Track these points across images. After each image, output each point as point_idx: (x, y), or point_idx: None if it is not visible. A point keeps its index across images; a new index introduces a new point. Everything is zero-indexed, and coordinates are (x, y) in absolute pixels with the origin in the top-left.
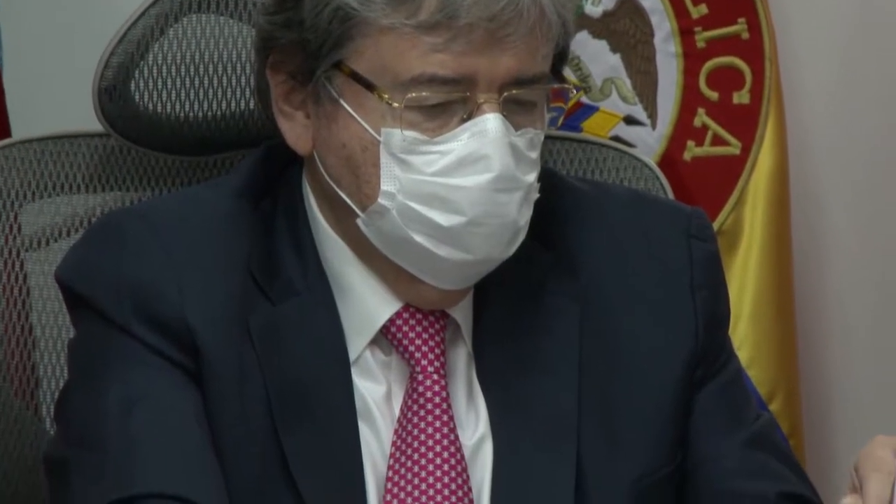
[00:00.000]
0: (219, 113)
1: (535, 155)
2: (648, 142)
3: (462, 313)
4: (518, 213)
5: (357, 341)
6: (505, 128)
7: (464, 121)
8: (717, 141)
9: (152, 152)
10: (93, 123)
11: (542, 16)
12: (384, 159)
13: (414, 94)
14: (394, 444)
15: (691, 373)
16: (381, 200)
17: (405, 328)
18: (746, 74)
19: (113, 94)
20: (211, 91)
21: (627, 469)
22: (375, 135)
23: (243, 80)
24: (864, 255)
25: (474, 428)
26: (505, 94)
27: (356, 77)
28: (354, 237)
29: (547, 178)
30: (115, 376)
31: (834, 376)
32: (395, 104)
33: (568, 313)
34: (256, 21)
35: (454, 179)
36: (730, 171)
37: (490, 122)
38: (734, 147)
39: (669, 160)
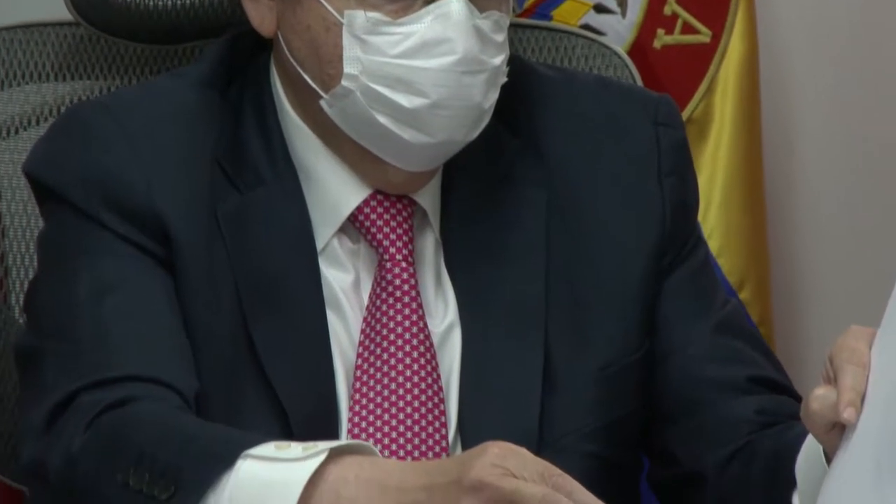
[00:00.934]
0: (187, 1)
1: (500, 38)
2: (618, 30)
3: (429, 199)
4: (483, 96)
5: (324, 230)
6: (468, 11)
7: (427, 2)
8: (687, 29)
9: (122, 41)
10: (62, 12)
11: None
12: (346, 41)
13: None
14: (362, 331)
15: (659, 260)
16: (344, 82)
17: (373, 216)
18: None
19: None
20: None
21: (594, 356)
22: (339, 16)
23: None
24: (833, 143)
25: (443, 315)
26: None
27: None
28: (320, 122)
29: (514, 64)
30: (85, 265)
31: (804, 264)
32: None
33: (535, 201)
34: None
35: (417, 62)
36: (700, 60)
37: (453, 4)
38: (704, 35)
39: (639, 49)
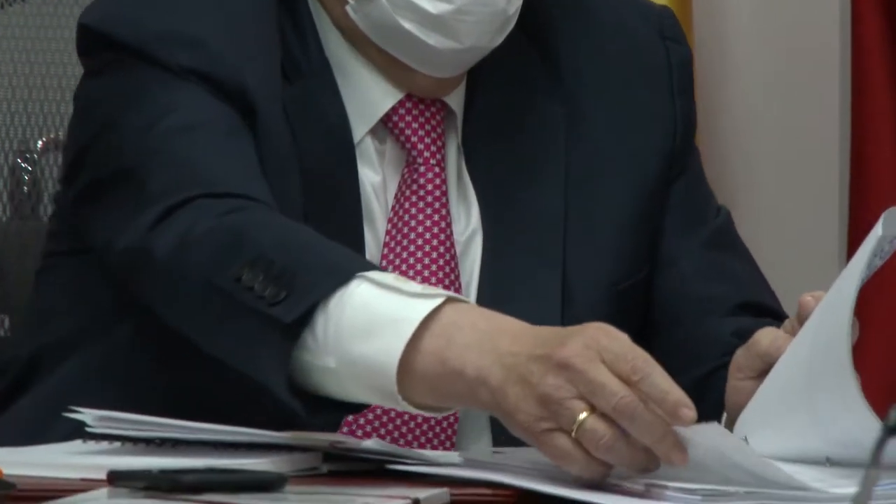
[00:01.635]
0: None
1: None
2: None
3: (456, 103)
4: (506, 1)
5: (359, 128)
6: None
7: None
8: None
9: None
10: None
11: None
12: None
13: None
14: (388, 232)
15: (667, 176)
16: None
17: (408, 118)
18: None
19: None
20: None
21: (608, 271)
22: None
23: None
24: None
25: (466, 222)
26: None
27: None
28: (346, 26)
29: None
30: (175, 106)
31: (729, 144)
32: None
33: (553, 113)
34: None
35: None
36: None
37: None
38: None
39: None
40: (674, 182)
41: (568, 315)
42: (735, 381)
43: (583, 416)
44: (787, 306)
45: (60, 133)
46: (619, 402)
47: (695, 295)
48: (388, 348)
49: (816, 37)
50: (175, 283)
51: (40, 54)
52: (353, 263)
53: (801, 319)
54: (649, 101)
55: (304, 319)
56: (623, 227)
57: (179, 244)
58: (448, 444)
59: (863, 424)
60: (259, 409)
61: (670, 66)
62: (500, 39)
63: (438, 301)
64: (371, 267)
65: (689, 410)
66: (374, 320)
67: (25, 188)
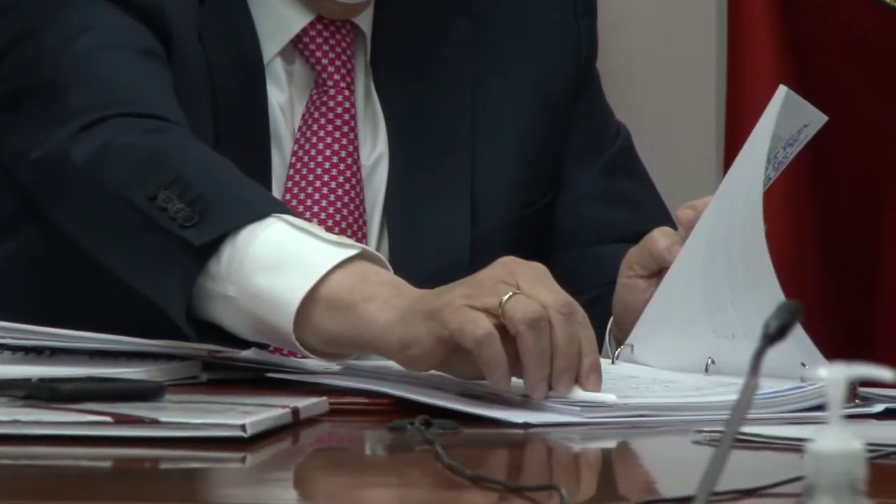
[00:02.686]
0: None
1: None
2: None
3: (366, 23)
4: None
5: (269, 48)
6: None
7: None
8: None
9: None
10: None
11: None
12: None
13: None
14: (294, 153)
15: (572, 96)
16: None
17: (319, 39)
18: None
19: None
20: None
21: (516, 195)
22: None
23: None
24: None
25: (372, 145)
26: None
27: None
28: None
29: None
30: (93, 23)
31: (609, 49)
32: None
33: (460, 32)
34: None
35: None
36: None
37: None
38: None
39: None
40: (576, 102)
41: (475, 238)
42: (625, 278)
43: (508, 295)
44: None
45: None
46: (558, 300)
47: (591, 220)
48: (293, 286)
49: None
50: (90, 191)
51: None
52: (271, 202)
53: (685, 233)
54: (554, 23)
55: (214, 245)
56: (530, 149)
57: (99, 154)
58: None
59: (771, 298)
60: (149, 324)
61: None
62: None
63: (352, 252)
64: (288, 211)
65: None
66: (282, 258)
67: None
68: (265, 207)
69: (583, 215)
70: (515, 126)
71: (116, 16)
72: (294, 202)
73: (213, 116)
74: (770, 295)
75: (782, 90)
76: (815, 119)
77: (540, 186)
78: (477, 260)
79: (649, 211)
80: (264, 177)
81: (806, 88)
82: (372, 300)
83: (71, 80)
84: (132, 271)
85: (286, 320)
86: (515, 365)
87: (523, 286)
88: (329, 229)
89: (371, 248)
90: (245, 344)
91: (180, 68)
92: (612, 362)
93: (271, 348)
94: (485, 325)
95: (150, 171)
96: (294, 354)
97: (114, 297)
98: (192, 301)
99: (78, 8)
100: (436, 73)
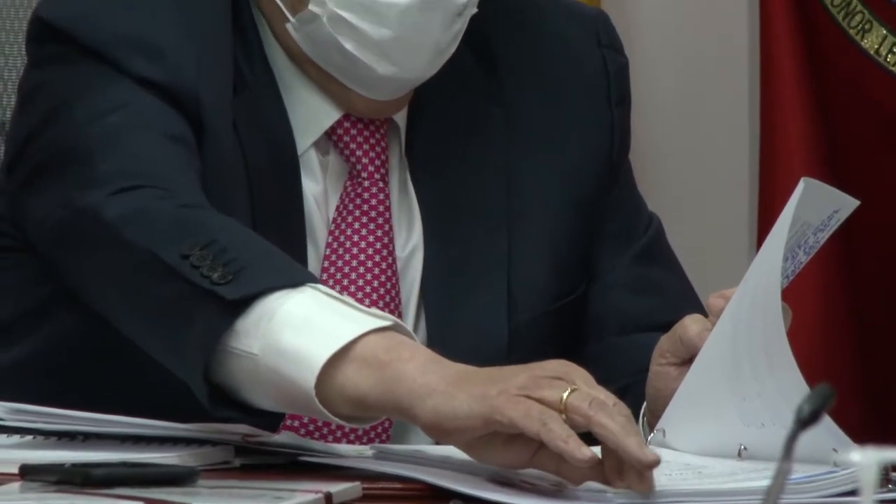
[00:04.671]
0: None
1: None
2: None
3: (400, 115)
4: (444, 30)
5: (303, 139)
6: None
7: None
8: None
9: None
10: None
11: None
12: None
13: None
14: (329, 245)
15: (605, 183)
16: (312, 7)
17: (353, 131)
18: None
19: None
20: None
21: (551, 286)
22: None
23: None
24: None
25: (407, 236)
26: None
27: None
28: (287, 43)
29: None
30: (125, 102)
31: (639, 137)
32: None
33: (494, 118)
34: None
35: None
36: None
37: None
38: None
39: None
40: (608, 191)
41: (512, 327)
42: (657, 366)
43: (568, 391)
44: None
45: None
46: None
47: (623, 308)
48: (321, 343)
49: (726, 27)
50: (118, 246)
51: None
52: (306, 274)
53: (715, 321)
54: (587, 110)
55: (245, 302)
56: (564, 239)
57: (131, 214)
58: (384, 436)
59: (796, 388)
60: (180, 410)
61: (608, 74)
62: (437, 67)
63: (386, 323)
64: (321, 284)
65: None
66: (313, 319)
67: None
68: (300, 276)
69: (614, 304)
70: (549, 214)
71: (147, 98)
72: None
73: (250, 204)
74: (794, 385)
75: (803, 183)
76: (846, 204)
77: (575, 276)
78: (514, 349)
79: (680, 299)
80: (299, 254)
81: (837, 166)
82: (409, 361)
83: (101, 150)
84: (152, 330)
85: (308, 376)
86: (535, 459)
87: (579, 384)
88: None
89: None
90: (258, 414)
91: (214, 154)
92: None
93: (304, 418)
94: (545, 409)
95: (184, 233)
96: (326, 438)
97: (147, 382)
98: (211, 361)
99: (108, 88)
100: (470, 161)
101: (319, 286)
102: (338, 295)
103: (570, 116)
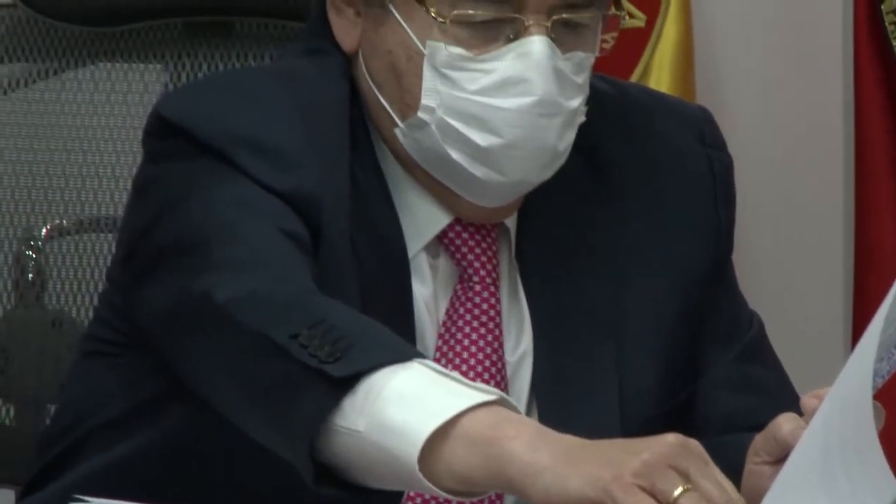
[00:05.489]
0: None
1: (581, 79)
2: None
3: (509, 220)
4: (558, 138)
5: (413, 243)
6: (550, 51)
7: (510, 41)
8: None
9: (59, 23)
10: None
11: None
12: (427, 72)
13: (461, 11)
14: (438, 348)
15: (711, 284)
16: (421, 114)
17: (465, 235)
18: None
19: None
20: None
21: (662, 387)
22: (421, 46)
23: None
24: (765, 124)
25: (516, 341)
26: (554, 17)
27: None
28: (396, 147)
29: None
30: (248, 200)
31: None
32: (442, 18)
33: (601, 221)
34: None
35: (495, 100)
36: (635, 44)
37: (535, 44)
38: (639, 20)
39: None
40: (713, 291)
41: (624, 429)
42: (752, 464)
43: (679, 490)
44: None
45: (65, 220)
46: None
47: (723, 408)
48: (427, 418)
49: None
50: (227, 328)
51: (44, 140)
52: (414, 351)
53: (808, 418)
54: (694, 211)
55: (352, 379)
56: (672, 343)
57: (242, 297)
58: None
59: (887, 489)
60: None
61: (713, 174)
62: (548, 174)
63: (492, 397)
64: (430, 360)
65: None
66: (420, 395)
67: (30, 276)
68: (408, 353)
69: (715, 403)
70: (657, 318)
71: (265, 195)
72: None
73: (362, 309)
74: (885, 486)
75: None
76: None
77: (683, 378)
78: None
79: (781, 400)
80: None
81: None
82: (516, 438)
83: (216, 238)
84: (258, 409)
85: (412, 450)
86: None
87: (693, 476)
88: None
89: None
90: (363, 493)
91: (329, 260)
92: None
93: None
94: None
95: (294, 314)
96: None
97: (250, 489)
98: (316, 440)
99: (225, 184)
100: (580, 264)
101: (427, 362)
102: (445, 370)
103: (677, 218)
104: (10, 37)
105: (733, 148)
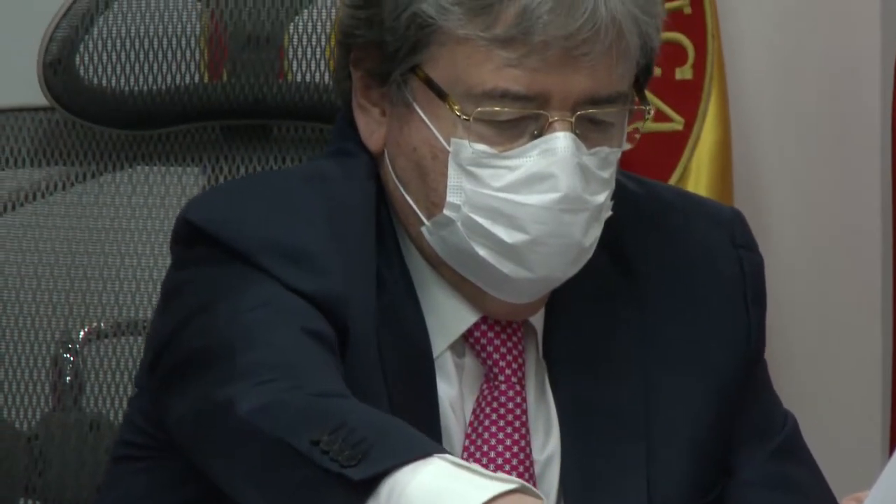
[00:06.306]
0: (163, 87)
1: (607, 174)
2: None
3: (536, 318)
4: (583, 234)
5: (439, 342)
6: (575, 147)
7: (534, 137)
8: (661, 117)
9: (97, 126)
10: (38, 97)
11: (621, 36)
12: (452, 170)
13: (485, 108)
14: (465, 448)
15: (742, 383)
16: (447, 211)
17: (490, 334)
18: (689, 50)
19: (58, 68)
20: (156, 65)
21: (692, 487)
22: (445, 144)
23: (188, 53)
24: (804, 226)
25: (544, 440)
26: (578, 112)
27: (430, 84)
28: (422, 245)
29: None
30: (270, 301)
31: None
32: (466, 116)
33: (630, 319)
34: (340, 13)
35: (520, 196)
36: (673, 147)
37: (560, 140)
38: (677, 123)
39: None
40: (745, 390)
41: None
42: None
43: None
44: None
45: (102, 323)
46: None
47: None
48: None
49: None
50: (250, 439)
51: (81, 243)
52: (435, 446)
53: None
54: (724, 309)
55: (374, 481)
56: (703, 440)
57: (264, 406)
58: None
59: None
60: None
61: (744, 274)
62: (575, 270)
63: (513, 486)
64: (451, 454)
65: None
66: (440, 489)
67: (68, 378)
68: (429, 448)
69: (751, 502)
70: (688, 419)
71: (291, 297)
72: None
73: (389, 410)
74: None
75: None
76: None
77: (713, 477)
78: None
79: (817, 498)
80: None
81: None
82: None
83: (241, 345)
84: None
85: None
86: None
87: None
88: None
89: None
90: None
91: (357, 360)
92: None
93: None
94: None
95: (313, 420)
96: None
97: None
98: None
99: (252, 288)
100: (608, 363)
101: (447, 456)
102: (465, 463)
103: (707, 318)
104: (48, 140)
105: (771, 250)
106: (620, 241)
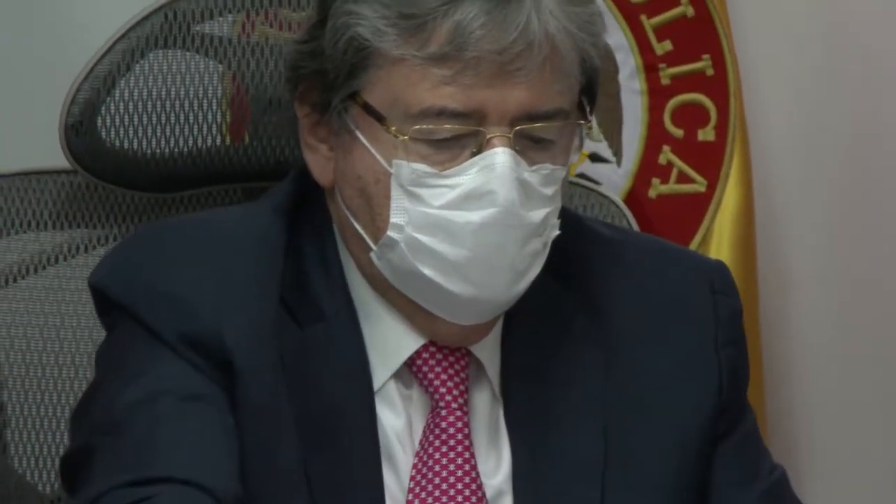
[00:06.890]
0: (185, 149)
1: (549, 191)
2: (614, 179)
3: (487, 353)
4: (519, 249)
5: (381, 372)
6: (514, 162)
7: (474, 154)
8: (683, 178)
9: (119, 189)
10: (59, 160)
11: (555, 51)
12: (395, 191)
13: (421, 127)
14: (412, 478)
15: (713, 428)
16: (391, 233)
17: (431, 362)
18: (711, 111)
19: (79, 131)
20: (178, 128)
21: None
22: (388, 166)
23: (209, 116)
24: (830, 290)
25: (494, 471)
26: (517, 128)
27: (368, 109)
28: (370, 273)
29: (571, 222)
30: (147, 371)
31: (800, 407)
32: (403, 136)
33: (593, 360)
34: (286, 51)
35: (459, 213)
36: (695, 209)
37: (499, 156)
38: (699, 185)
39: (635, 198)
40: (722, 440)
41: None
42: None
43: None
44: None
45: None
46: None
47: None
48: None
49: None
50: None
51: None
52: None
53: None
54: (693, 352)
55: None
56: (664, 484)
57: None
58: None
59: None
60: None
61: (717, 318)
62: (519, 287)
63: None
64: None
65: None
66: None
67: None
68: None
69: None
70: (652, 459)
71: (169, 361)
72: None
73: (306, 437)
74: None
75: None
76: None
77: None
78: None
79: None
80: (378, 499)
81: None
82: None
83: (107, 441)
84: None
85: None
86: None
87: None
88: None
89: None
90: None
91: (249, 386)
92: None
93: None
94: None
95: None
96: None
97: None
98: None
99: (135, 357)
100: (565, 405)
101: None
102: None
103: (675, 361)
104: (71, 202)
105: (795, 313)
106: (588, 283)
